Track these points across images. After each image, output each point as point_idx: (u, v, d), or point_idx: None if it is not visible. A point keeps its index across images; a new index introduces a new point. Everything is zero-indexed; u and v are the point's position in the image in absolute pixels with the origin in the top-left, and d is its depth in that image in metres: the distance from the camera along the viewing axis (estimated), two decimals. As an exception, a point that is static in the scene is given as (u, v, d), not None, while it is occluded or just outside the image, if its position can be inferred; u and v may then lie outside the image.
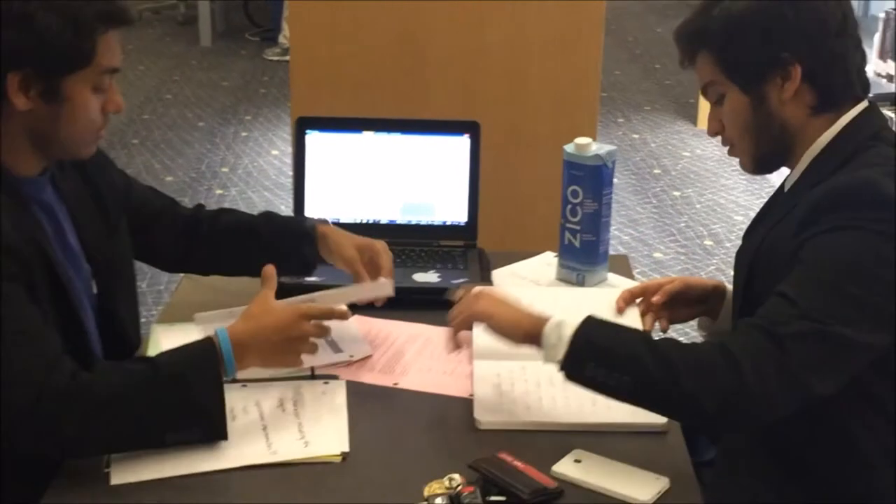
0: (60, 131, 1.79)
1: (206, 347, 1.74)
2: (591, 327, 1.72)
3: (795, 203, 1.77)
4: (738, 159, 1.93)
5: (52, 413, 1.60)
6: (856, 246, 1.65)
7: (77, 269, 1.89)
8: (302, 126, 2.46)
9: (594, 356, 1.68)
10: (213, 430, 1.71)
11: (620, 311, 2.08)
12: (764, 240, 1.83)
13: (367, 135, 2.45)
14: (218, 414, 1.71)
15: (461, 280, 2.28)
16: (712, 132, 1.91)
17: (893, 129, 1.85)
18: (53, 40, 1.70)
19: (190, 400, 1.69)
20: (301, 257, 2.16)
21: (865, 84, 1.85)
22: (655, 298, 2.06)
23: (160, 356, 1.75)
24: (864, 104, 1.83)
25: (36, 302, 1.70)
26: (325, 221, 2.22)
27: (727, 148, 1.92)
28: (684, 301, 2.09)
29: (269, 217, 2.24)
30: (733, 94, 1.84)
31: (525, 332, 1.79)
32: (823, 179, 1.74)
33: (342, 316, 1.92)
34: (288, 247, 2.16)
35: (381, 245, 2.14)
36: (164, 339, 2.05)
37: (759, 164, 1.91)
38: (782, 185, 1.91)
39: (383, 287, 2.08)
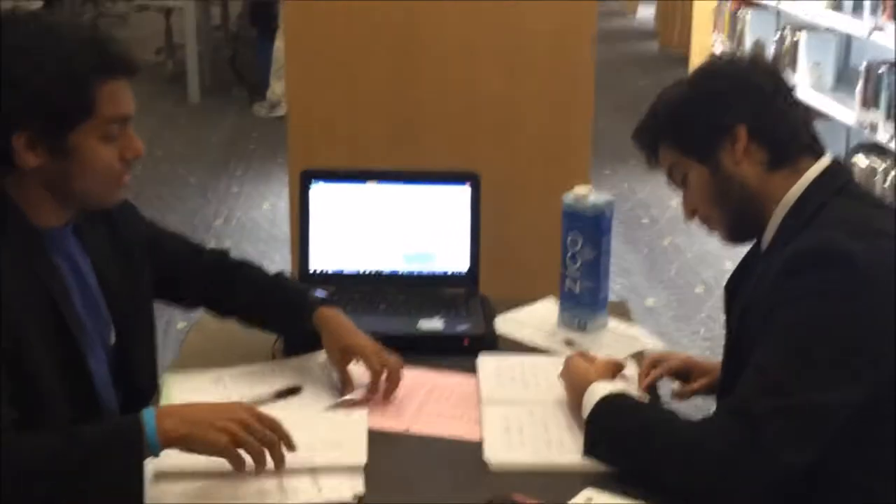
0: (76, 183, 1.81)
1: (130, 428, 1.66)
2: (601, 414, 1.87)
3: (770, 263, 1.83)
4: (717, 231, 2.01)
5: None
6: (818, 310, 1.71)
7: (96, 320, 1.93)
8: (306, 178, 2.51)
9: (604, 442, 1.85)
10: None
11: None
12: (746, 305, 1.89)
13: (370, 185, 2.50)
14: (135, 495, 1.62)
15: (464, 327, 2.33)
16: (689, 214, 2.02)
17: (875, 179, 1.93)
18: (49, 99, 1.73)
19: (105, 481, 1.62)
20: (301, 332, 2.17)
21: (814, 136, 1.94)
22: (643, 386, 2.13)
23: (83, 430, 1.66)
24: (827, 160, 1.92)
25: (19, 360, 1.71)
26: (328, 302, 2.18)
27: (705, 226, 2.02)
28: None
29: (279, 284, 2.24)
30: (693, 168, 1.95)
31: (579, 409, 1.94)
32: (793, 238, 1.81)
33: (288, 443, 1.75)
34: (288, 320, 2.19)
35: (371, 351, 2.07)
36: (176, 387, 2.09)
37: (735, 232, 1.99)
38: (759, 243, 1.98)
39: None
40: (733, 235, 2.00)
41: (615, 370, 2.08)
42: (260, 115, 8.31)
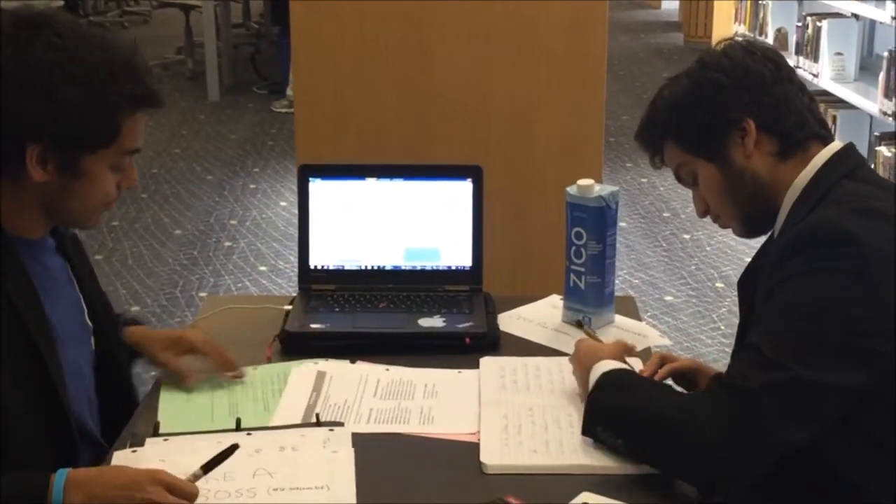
0: (72, 203, 1.78)
1: (36, 493, 1.58)
2: (602, 392, 1.83)
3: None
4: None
5: None
6: (815, 288, 1.67)
7: (79, 328, 1.90)
8: (305, 174, 2.46)
9: (601, 420, 1.80)
10: None
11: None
12: (755, 292, 1.84)
13: (370, 181, 2.45)
14: None
15: (466, 325, 2.27)
16: (701, 213, 1.97)
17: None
18: (77, 117, 1.67)
19: None
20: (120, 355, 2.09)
21: (822, 122, 1.89)
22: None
23: None
24: (837, 145, 1.86)
25: None
26: (135, 322, 2.14)
27: (717, 222, 1.97)
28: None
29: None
30: (702, 167, 1.90)
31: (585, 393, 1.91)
32: (800, 222, 1.76)
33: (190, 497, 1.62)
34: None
35: (194, 336, 2.09)
36: (166, 398, 2.03)
37: (749, 226, 1.94)
38: (772, 233, 1.92)
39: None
40: (748, 229, 1.95)
41: (625, 351, 2.01)
42: (279, 112, 8.28)
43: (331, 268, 2.45)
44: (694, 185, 1.94)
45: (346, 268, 2.45)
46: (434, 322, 2.29)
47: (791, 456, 1.65)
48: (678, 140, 1.91)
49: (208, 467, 1.67)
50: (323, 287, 2.43)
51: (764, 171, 1.85)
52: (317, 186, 2.44)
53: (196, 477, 1.65)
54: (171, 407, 1.99)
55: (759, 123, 1.84)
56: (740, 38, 1.93)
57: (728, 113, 1.84)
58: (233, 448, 1.70)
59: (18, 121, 1.66)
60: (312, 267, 2.45)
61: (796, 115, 1.85)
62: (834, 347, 1.64)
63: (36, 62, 1.65)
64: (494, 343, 2.26)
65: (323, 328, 2.25)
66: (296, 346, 2.22)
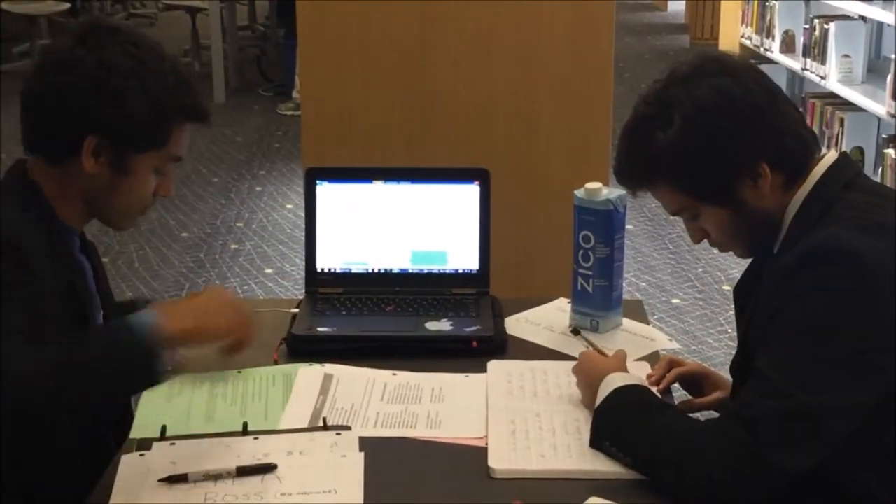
0: (114, 199, 1.90)
1: (137, 326, 1.66)
2: (612, 408, 1.82)
3: (777, 266, 1.76)
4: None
5: None
6: (818, 307, 1.64)
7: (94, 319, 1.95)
8: (312, 177, 2.46)
9: (609, 436, 1.80)
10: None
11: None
12: (753, 311, 1.82)
13: (377, 184, 2.44)
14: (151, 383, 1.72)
15: (473, 328, 2.26)
16: (698, 240, 1.89)
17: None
18: (137, 121, 1.82)
19: (120, 373, 1.65)
20: None
21: (812, 132, 1.85)
22: (660, 388, 2.05)
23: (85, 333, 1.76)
24: (833, 156, 1.83)
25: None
26: (151, 300, 2.17)
27: (718, 249, 1.92)
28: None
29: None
30: (709, 209, 1.83)
31: (592, 403, 1.89)
32: (802, 237, 1.74)
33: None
34: None
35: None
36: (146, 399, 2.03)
37: (756, 250, 1.91)
38: (770, 247, 1.89)
39: None
40: (752, 253, 1.92)
41: (625, 358, 1.99)
42: (285, 115, 8.28)
43: (337, 271, 2.44)
44: (691, 220, 1.88)
45: (353, 271, 2.44)
46: (441, 325, 2.28)
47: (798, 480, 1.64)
48: (681, 188, 1.82)
49: (242, 471, 1.75)
50: (330, 290, 2.42)
51: (774, 205, 1.81)
52: (324, 189, 2.44)
53: (229, 473, 1.74)
54: (150, 409, 1.98)
55: (770, 163, 1.77)
56: (712, 59, 1.84)
57: (739, 160, 1.77)
58: (272, 466, 1.77)
59: (85, 114, 1.81)
60: (319, 270, 2.44)
61: (795, 135, 1.80)
62: (838, 367, 1.62)
63: (113, 65, 1.81)
64: (502, 347, 2.25)
65: (330, 331, 2.25)
66: (302, 349, 2.21)
